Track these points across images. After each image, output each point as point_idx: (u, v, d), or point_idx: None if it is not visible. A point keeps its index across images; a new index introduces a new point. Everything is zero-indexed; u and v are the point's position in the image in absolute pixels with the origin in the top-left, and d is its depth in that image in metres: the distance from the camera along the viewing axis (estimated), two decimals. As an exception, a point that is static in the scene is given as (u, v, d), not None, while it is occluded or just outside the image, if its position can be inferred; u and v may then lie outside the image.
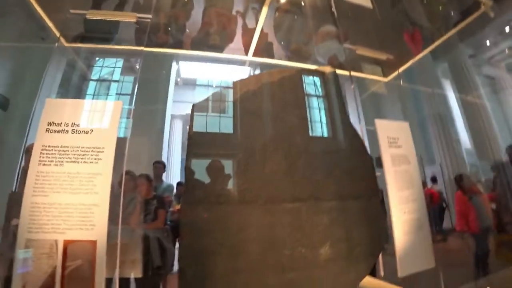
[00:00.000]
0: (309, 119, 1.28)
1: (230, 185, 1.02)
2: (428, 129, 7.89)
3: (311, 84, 1.34)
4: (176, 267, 3.86)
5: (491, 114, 7.63)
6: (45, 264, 1.56)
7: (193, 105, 1.22)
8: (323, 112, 1.34)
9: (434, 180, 6.27)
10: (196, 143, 1.12)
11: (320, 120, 1.32)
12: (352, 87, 2.20)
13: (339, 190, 1.18)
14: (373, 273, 1.78)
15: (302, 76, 1.32)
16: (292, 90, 1.27)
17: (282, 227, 1.04)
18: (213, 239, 0.97)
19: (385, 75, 3.92)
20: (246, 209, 1.02)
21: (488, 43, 7.42)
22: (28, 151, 2.27)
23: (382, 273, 1.87)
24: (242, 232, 1.00)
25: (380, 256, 1.89)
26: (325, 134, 1.28)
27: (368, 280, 1.37)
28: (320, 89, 1.39)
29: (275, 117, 1.16)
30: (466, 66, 7.58)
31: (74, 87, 5.75)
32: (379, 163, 1.98)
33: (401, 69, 2.65)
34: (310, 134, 1.23)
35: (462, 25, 4.13)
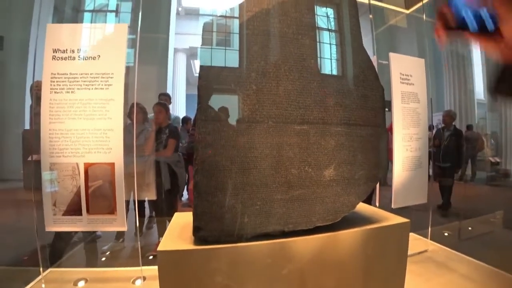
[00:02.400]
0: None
1: (242, 104, 1.04)
2: (442, 73, 7.46)
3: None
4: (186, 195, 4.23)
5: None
6: (70, 185, 1.71)
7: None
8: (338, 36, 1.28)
9: (429, 128, 6.34)
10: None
11: (335, 45, 1.27)
12: (370, 17, 2.02)
13: (347, 116, 1.20)
14: (369, 203, 1.93)
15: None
16: (308, 11, 1.20)
17: (290, 147, 1.10)
18: (224, 156, 1.03)
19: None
20: (256, 129, 1.06)
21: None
22: (33, 89, 2.26)
23: (377, 204, 2.03)
24: (251, 150, 1.06)
25: (378, 188, 2.03)
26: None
27: (363, 205, 1.50)
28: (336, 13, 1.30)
29: (290, 38, 1.12)
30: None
31: (68, 21, 5.43)
32: (389, 105, 1.96)
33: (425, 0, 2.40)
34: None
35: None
